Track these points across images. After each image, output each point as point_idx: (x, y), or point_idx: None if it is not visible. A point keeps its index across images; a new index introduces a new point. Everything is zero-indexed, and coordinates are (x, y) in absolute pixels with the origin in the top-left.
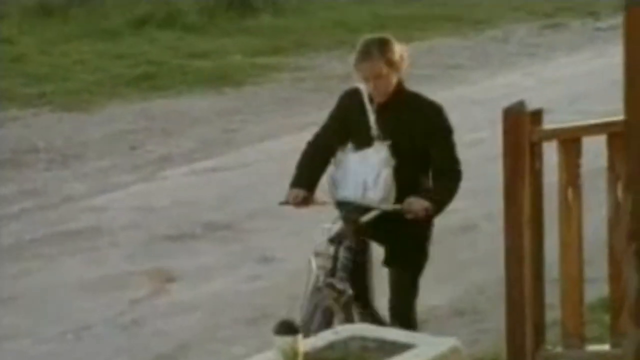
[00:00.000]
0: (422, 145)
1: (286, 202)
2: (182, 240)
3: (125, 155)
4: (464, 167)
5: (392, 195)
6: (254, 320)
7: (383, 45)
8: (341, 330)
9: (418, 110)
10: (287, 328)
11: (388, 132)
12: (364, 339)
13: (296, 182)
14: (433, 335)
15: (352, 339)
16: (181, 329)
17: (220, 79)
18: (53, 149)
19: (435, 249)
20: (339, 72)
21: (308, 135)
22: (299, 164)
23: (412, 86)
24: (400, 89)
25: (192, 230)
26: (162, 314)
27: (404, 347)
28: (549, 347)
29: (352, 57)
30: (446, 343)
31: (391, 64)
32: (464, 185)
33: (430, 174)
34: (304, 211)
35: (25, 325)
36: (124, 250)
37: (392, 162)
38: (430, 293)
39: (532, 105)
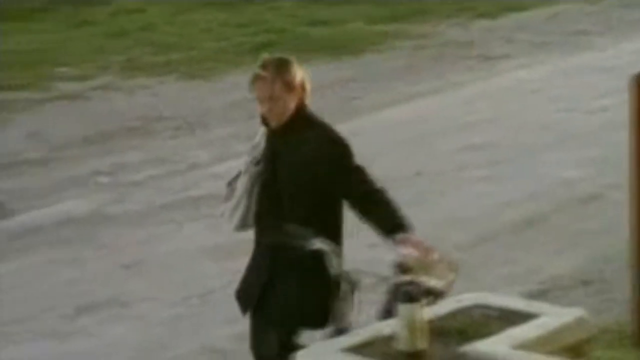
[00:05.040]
0: (320, 182)
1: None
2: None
3: (245, 123)
4: (589, 136)
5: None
6: (374, 286)
7: (280, 66)
8: (464, 299)
9: (318, 145)
10: (409, 296)
11: (276, 160)
12: (486, 307)
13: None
14: (557, 305)
15: (475, 307)
16: None
17: (340, 47)
18: (179, 117)
19: (560, 218)
20: (459, 39)
21: (427, 104)
22: None
23: (538, 53)
24: (301, 116)
25: None
26: None
27: (527, 317)
28: None
29: (473, 24)
30: (571, 313)
31: (288, 87)
32: (588, 154)
33: (357, 206)
34: (421, 183)
35: (152, 290)
36: None
37: (255, 190)
38: (555, 262)
39: None
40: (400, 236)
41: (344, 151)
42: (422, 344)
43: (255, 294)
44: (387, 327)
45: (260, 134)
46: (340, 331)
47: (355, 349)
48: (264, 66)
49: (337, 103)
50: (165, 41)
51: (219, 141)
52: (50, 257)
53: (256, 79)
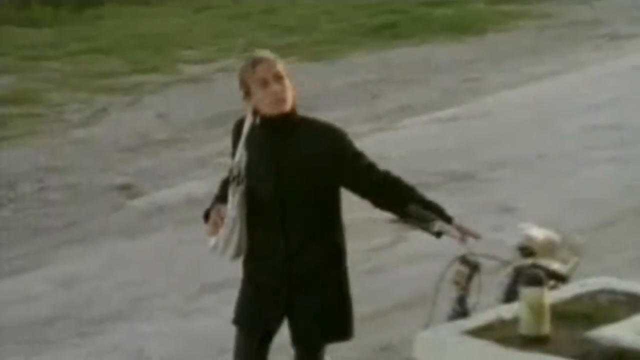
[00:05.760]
0: (328, 175)
1: None
2: (422, 189)
3: (366, 104)
4: None
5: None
6: (495, 270)
7: (272, 56)
8: (588, 283)
9: (322, 137)
10: (533, 280)
11: (280, 160)
12: (613, 292)
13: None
14: None
15: (601, 292)
16: (420, 277)
17: (462, 28)
18: (299, 98)
19: None
20: (585, 19)
21: (551, 85)
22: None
23: None
24: (295, 114)
25: (431, 180)
26: (402, 261)
27: None
28: None
29: (597, 3)
30: None
31: (287, 70)
32: None
33: (370, 195)
34: (545, 164)
35: None
36: None
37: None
38: None
39: None
40: (454, 224)
41: (346, 139)
42: (545, 328)
43: (275, 316)
44: (509, 310)
45: (239, 151)
46: (462, 314)
47: (477, 332)
48: (259, 55)
49: (459, 84)
50: (286, 23)
51: (338, 122)
52: (176, 237)
53: (258, 61)
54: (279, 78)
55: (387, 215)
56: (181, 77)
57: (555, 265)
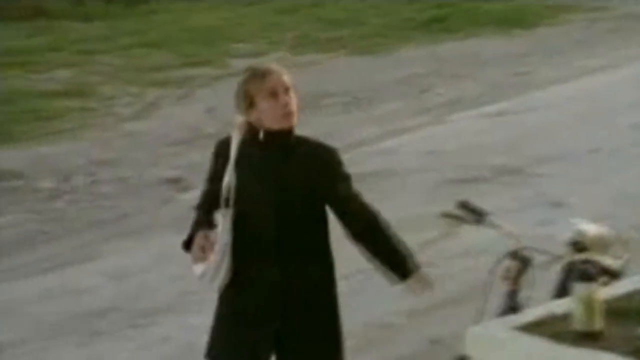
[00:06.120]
0: (322, 193)
1: None
2: (471, 184)
3: (414, 98)
4: None
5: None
6: (546, 265)
7: (278, 66)
8: None
9: (318, 154)
10: (585, 275)
11: (278, 177)
12: None
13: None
14: None
15: None
16: (470, 272)
17: (511, 21)
18: (347, 93)
19: None
20: (638, 12)
21: (602, 79)
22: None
23: None
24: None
25: (480, 174)
26: (451, 256)
27: None
28: None
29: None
30: None
31: (292, 83)
32: None
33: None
34: (597, 159)
35: None
36: (414, 193)
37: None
38: None
39: None
40: (414, 277)
41: (339, 159)
42: (598, 324)
43: (265, 347)
44: (561, 306)
45: (229, 172)
46: (513, 309)
47: (528, 328)
48: (262, 65)
49: (508, 78)
50: (334, 17)
51: (387, 116)
52: None
53: (267, 72)
54: (287, 90)
55: (437, 209)
56: (231, 71)
57: (608, 261)
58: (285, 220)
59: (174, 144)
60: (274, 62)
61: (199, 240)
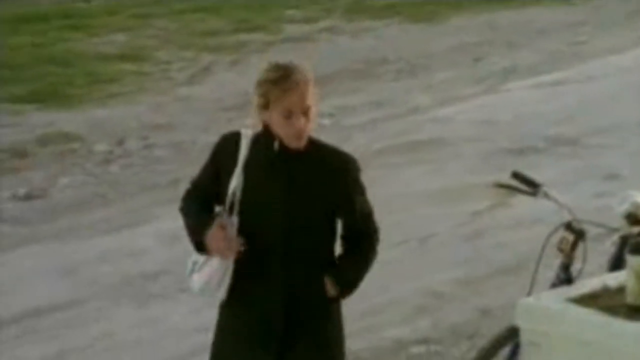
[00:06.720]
0: (335, 202)
1: None
2: (525, 154)
3: (469, 67)
4: None
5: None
6: (600, 237)
7: (309, 72)
8: None
9: (334, 160)
10: None
11: (292, 184)
12: None
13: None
14: None
15: None
16: (522, 242)
17: None
18: (401, 60)
19: None
20: None
21: None
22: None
23: None
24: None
25: (535, 144)
26: (503, 226)
27: None
28: None
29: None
30: None
31: (316, 98)
32: None
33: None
34: None
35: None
36: (467, 162)
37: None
38: None
39: None
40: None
41: (358, 168)
42: None
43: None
44: (615, 279)
45: (237, 176)
46: (566, 281)
47: (581, 300)
48: (293, 70)
49: (564, 47)
50: None
51: (441, 85)
52: None
53: (290, 86)
54: (307, 110)
55: (491, 179)
56: (285, 37)
57: None
58: (294, 231)
59: (226, 109)
60: (303, 64)
61: (216, 232)
